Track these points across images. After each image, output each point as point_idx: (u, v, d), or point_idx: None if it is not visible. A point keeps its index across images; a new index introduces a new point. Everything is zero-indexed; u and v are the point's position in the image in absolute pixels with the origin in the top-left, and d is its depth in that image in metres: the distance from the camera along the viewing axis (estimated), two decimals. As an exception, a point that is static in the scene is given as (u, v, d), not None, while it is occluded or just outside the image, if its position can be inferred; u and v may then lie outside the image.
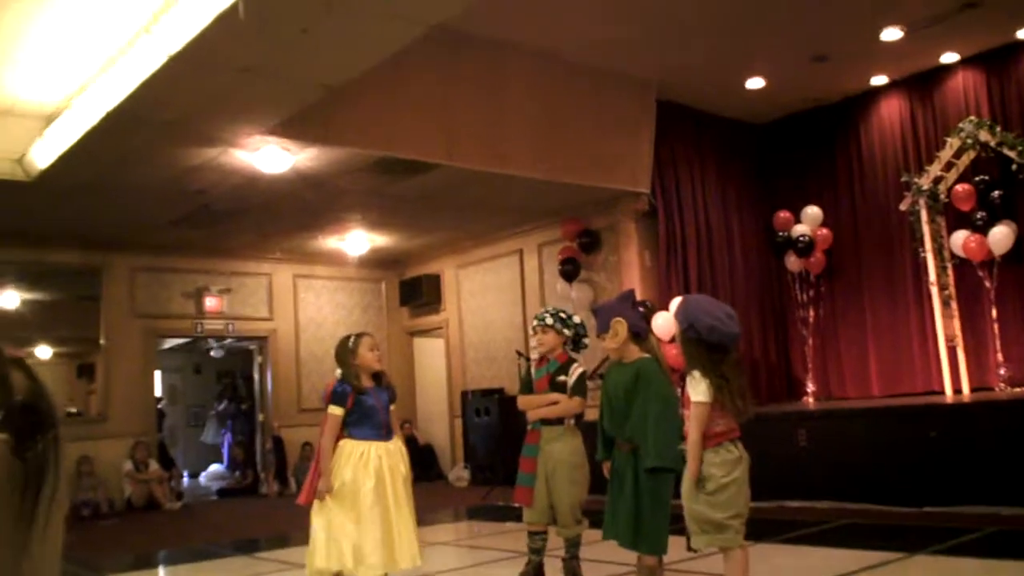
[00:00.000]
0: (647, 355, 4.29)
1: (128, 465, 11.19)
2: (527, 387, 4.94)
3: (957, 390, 9.02)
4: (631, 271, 10.17)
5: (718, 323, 3.62)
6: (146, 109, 6.93)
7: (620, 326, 4.23)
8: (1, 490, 0.79)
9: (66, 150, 7.76)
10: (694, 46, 8.72)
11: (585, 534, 4.78)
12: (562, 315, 4.90)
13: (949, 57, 9.58)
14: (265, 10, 5.43)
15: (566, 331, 4.84)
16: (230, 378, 17.39)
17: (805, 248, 10.45)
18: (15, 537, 0.80)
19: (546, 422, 4.76)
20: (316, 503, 4.39)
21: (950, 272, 9.35)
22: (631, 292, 4.98)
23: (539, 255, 11.86)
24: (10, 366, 0.85)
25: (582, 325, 4.96)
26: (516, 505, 4.97)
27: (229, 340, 13.81)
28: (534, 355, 4.94)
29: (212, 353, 15.43)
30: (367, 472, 4.35)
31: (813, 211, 10.56)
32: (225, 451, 16.62)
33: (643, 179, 9.75)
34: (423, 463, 12.83)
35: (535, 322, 4.92)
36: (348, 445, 4.40)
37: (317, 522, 4.38)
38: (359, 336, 4.64)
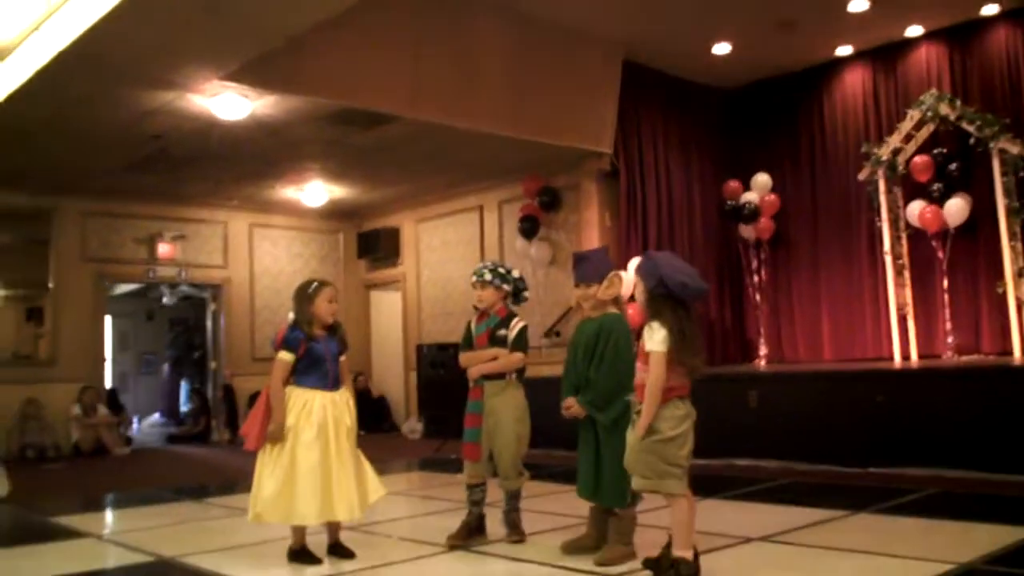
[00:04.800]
0: (615, 311, 4.31)
1: (76, 409, 11.04)
2: (467, 343, 4.88)
3: (906, 357, 9.21)
4: (591, 231, 10.17)
5: (689, 279, 3.65)
6: (100, 49, 6.73)
7: (618, 279, 4.22)
8: None
9: (14, 90, 7.52)
10: (662, 7, 8.66)
11: (530, 486, 4.78)
12: (500, 270, 4.78)
13: (914, 30, 9.65)
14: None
15: (505, 286, 4.74)
16: (182, 326, 17.21)
17: (750, 215, 10.57)
18: None
19: (488, 377, 4.69)
20: (264, 449, 4.34)
21: (904, 242, 9.50)
22: (607, 248, 4.95)
23: (499, 212, 11.82)
24: None
25: (521, 279, 4.86)
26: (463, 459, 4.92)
27: (182, 287, 13.63)
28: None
29: (164, 300, 15.21)
30: (308, 421, 4.29)
31: (762, 178, 10.69)
32: (183, 398, 16.55)
33: (606, 139, 9.72)
34: (377, 415, 12.85)
35: (473, 278, 4.80)
36: (293, 393, 4.34)
37: (261, 468, 4.34)
38: (321, 285, 4.49)
